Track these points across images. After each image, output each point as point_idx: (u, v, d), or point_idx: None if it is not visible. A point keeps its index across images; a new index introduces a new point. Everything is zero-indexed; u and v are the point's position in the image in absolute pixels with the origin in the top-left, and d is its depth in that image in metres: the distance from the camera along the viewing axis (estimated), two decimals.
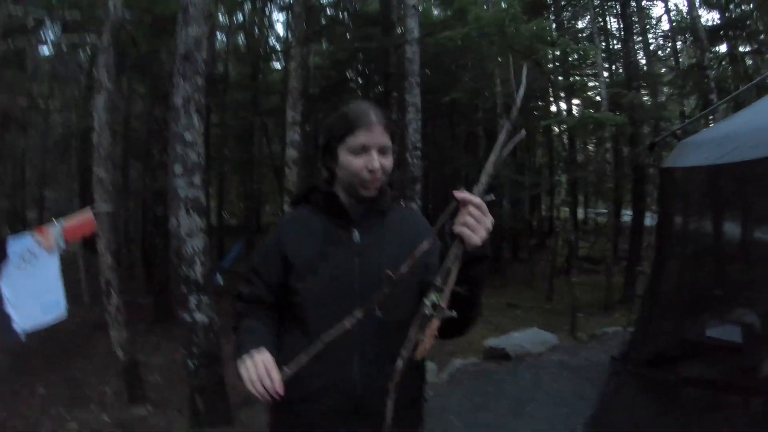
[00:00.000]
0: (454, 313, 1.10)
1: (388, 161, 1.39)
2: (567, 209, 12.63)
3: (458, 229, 1.12)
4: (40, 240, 4.19)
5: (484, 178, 1.14)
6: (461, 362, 5.00)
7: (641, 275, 7.80)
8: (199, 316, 4.00)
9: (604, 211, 17.09)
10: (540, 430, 3.48)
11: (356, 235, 1.40)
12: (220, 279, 9.20)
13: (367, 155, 1.35)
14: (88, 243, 11.73)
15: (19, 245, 4.18)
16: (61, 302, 4.18)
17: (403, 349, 1.11)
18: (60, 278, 4.22)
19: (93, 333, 7.35)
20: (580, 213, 17.75)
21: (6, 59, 9.32)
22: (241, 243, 11.14)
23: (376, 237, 1.42)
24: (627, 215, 12.87)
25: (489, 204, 1.14)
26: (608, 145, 9.65)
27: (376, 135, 1.35)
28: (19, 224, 9.62)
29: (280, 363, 1.36)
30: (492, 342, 5.25)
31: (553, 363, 4.76)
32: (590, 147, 15.80)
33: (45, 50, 12.22)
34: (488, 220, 1.12)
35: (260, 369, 1.24)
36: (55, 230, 4.23)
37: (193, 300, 3.98)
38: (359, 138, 1.34)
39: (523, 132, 1.25)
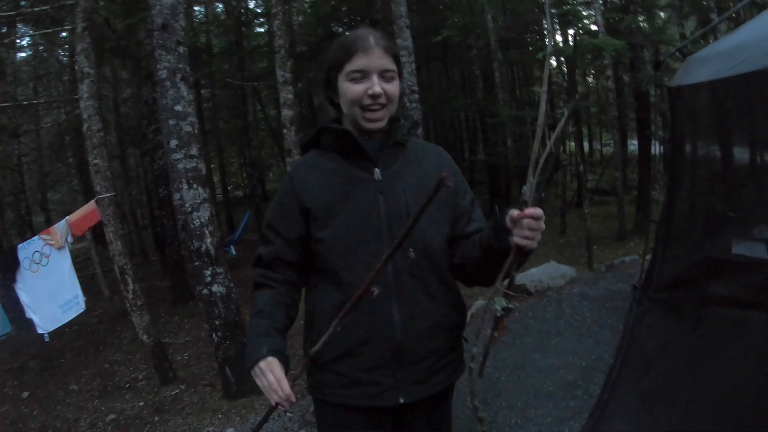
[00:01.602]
0: (516, 305, 1.18)
1: (393, 87, 1.29)
2: (572, 143, 12.44)
3: (519, 241, 1.11)
4: (48, 239, 4.20)
5: (532, 177, 1.14)
6: (482, 302, 5.00)
7: (654, 202, 7.75)
8: (217, 288, 3.98)
9: (609, 142, 16.86)
10: (567, 362, 3.49)
11: (376, 171, 1.31)
12: (232, 250, 9.26)
13: (368, 80, 1.25)
14: (99, 237, 11.88)
15: (28, 249, 4.20)
16: (80, 297, 4.23)
17: (474, 346, 1.14)
18: (74, 274, 4.25)
19: (116, 323, 7.48)
20: (585, 146, 17.49)
21: None
22: (249, 212, 11.16)
23: (398, 171, 1.33)
24: (633, 145, 12.67)
25: (541, 202, 1.19)
26: (608, 73, 9.35)
27: (375, 58, 1.24)
28: (27, 230, 9.67)
29: (313, 324, 1.36)
30: None
31: (573, 295, 4.76)
32: (589, 78, 15.44)
33: (22, 54, 12.13)
34: (542, 225, 1.11)
35: (270, 380, 1.20)
36: (61, 227, 4.23)
37: (207, 272, 3.96)
38: (357, 62, 1.24)
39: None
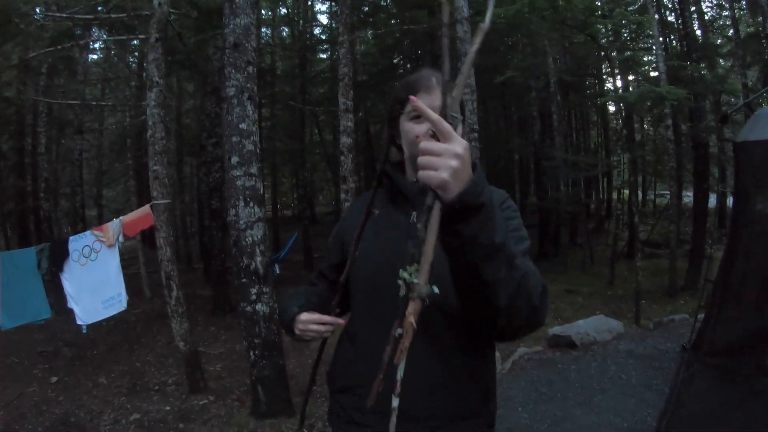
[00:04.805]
0: (435, 290, 0.77)
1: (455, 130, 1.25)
2: (625, 192, 12.10)
3: (419, 175, 0.81)
4: (99, 236, 4.35)
5: (448, 100, 0.84)
6: (525, 350, 4.87)
7: (708, 260, 7.41)
8: (260, 307, 4.03)
9: (665, 192, 16.33)
10: (608, 421, 3.33)
11: (413, 215, 1.26)
12: (276, 269, 9.40)
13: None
14: (147, 238, 12.27)
15: (79, 242, 4.36)
16: (123, 295, 4.34)
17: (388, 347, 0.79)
18: (120, 272, 4.37)
19: (153, 324, 7.62)
20: (639, 195, 16.99)
21: (57, 66, 9.75)
22: (298, 233, 11.35)
23: None
24: (686, 197, 12.24)
25: (453, 125, 0.82)
26: (669, 122, 9.10)
27: (437, 97, 1.18)
28: (80, 222, 10.17)
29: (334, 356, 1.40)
30: (557, 330, 5.10)
31: (619, 352, 4.57)
32: (646, 126, 15.07)
33: (93, 56, 12.95)
34: (453, 146, 0.80)
35: (312, 318, 1.28)
36: (114, 226, 4.38)
37: (253, 291, 4.01)
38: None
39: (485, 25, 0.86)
